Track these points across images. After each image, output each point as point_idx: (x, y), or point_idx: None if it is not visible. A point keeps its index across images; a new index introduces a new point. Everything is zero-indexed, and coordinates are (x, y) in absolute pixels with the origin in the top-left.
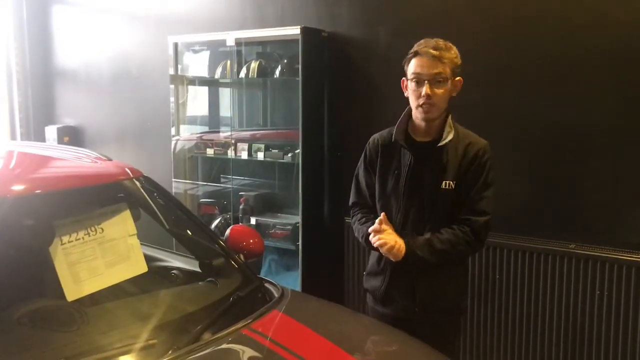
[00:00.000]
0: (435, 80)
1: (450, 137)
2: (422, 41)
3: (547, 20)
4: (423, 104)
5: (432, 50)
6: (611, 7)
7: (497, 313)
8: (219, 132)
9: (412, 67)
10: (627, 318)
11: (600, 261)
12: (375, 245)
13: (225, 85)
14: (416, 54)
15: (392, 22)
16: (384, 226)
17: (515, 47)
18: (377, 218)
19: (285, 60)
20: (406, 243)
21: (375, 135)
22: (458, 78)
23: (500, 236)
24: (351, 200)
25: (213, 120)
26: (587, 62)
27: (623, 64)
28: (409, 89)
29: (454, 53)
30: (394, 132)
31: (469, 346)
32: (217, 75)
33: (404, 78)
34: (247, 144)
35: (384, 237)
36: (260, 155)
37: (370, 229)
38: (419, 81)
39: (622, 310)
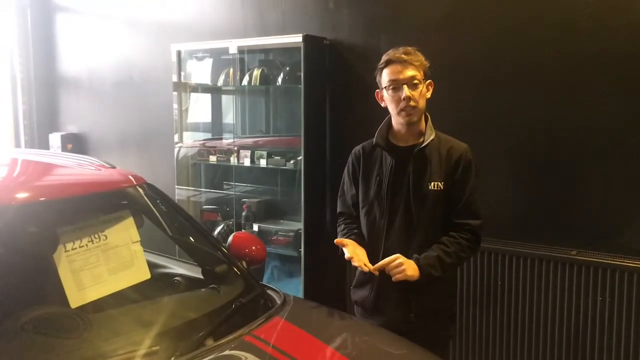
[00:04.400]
0: (411, 83)
1: (431, 137)
2: (389, 51)
3: (546, 24)
4: (405, 107)
5: (403, 56)
6: (610, 10)
7: (499, 319)
8: (221, 139)
9: (386, 75)
10: (630, 324)
11: (602, 267)
12: (395, 279)
13: (228, 92)
14: (388, 62)
15: (393, 29)
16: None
17: (515, 52)
18: (359, 227)
19: (288, 68)
20: (418, 265)
21: (357, 147)
22: (429, 81)
23: (502, 242)
24: (338, 209)
25: (216, 127)
26: (587, 65)
27: (623, 67)
28: (387, 97)
29: (422, 57)
30: (375, 137)
31: (471, 352)
32: (220, 82)
33: (377, 90)
34: (249, 151)
35: (400, 274)
36: (263, 162)
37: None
38: (396, 87)
39: (625, 316)
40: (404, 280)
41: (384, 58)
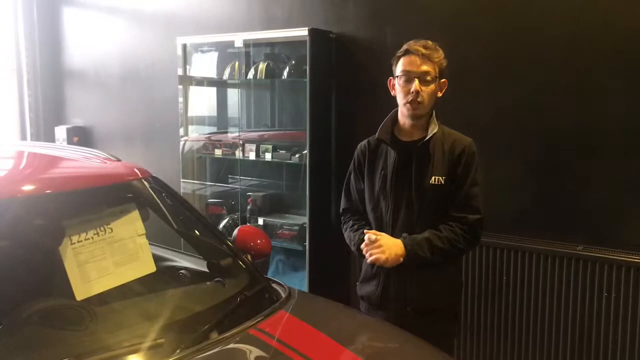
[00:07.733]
0: (423, 79)
1: (434, 131)
2: (411, 41)
3: (553, 21)
4: (412, 100)
5: (422, 49)
6: (616, 8)
7: (504, 315)
8: (227, 132)
9: (401, 65)
10: (635, 320)
11: (607, 263)
12: (368, 262)
13: (234, 86)
14: (406, 52)
15: (399, 22)
16: (375, 236)
17: (521, 48)
18: (367, 223)
19: (293, 62)
20: (405, 244)
21: (363, 141)
22: (443, 80)
23: (507, 237)
24: (342, 206)
25: (221, 121)
26: (591, 63)
27: (627, 66)
28: (398, 87)
29: (441, 54)
30: (378, 132)
31: (475, 348)
32: (225, 76)
33: (390, 77)
34: (254, 145)
35: (375, 251)
36: (268, 156)
37: (362, 246)
38: (408, 79)
39: (630, 312)
40: (399, 270)
41: (404, 47)
